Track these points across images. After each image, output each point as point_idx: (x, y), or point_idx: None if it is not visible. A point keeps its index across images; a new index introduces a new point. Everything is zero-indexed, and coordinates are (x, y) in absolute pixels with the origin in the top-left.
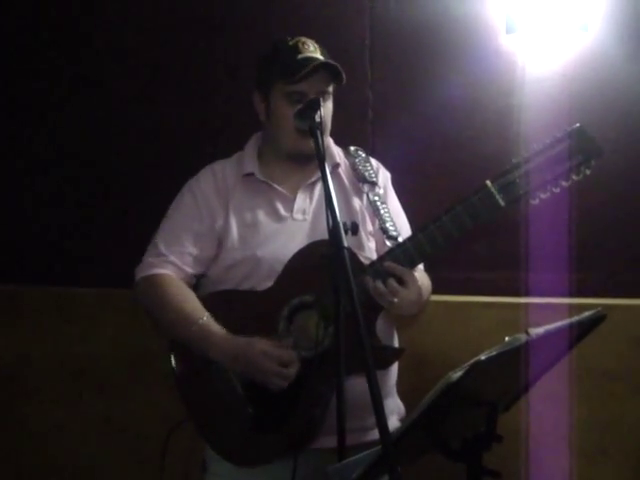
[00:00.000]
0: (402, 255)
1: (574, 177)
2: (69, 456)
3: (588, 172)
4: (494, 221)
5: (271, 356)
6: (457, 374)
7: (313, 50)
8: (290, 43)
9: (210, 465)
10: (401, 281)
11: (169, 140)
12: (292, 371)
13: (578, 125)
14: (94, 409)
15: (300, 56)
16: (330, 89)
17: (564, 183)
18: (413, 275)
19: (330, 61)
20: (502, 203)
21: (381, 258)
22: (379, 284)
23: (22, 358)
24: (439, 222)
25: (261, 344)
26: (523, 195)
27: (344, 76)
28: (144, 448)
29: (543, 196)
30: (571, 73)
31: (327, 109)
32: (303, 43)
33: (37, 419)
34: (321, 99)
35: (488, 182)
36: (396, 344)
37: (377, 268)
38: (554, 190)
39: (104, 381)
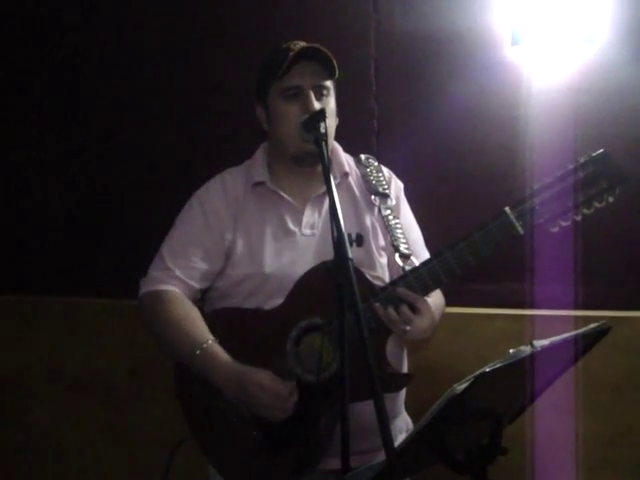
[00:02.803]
0: (416, 281)
1: (596, 205)
2: (70, 467)
3: (612, 200)
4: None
5: (268, 389)
6: (462, 386)
7: None
8: (283, 46)
9: None
10: (414, 308)
11: (175, 148)
12: (288, 405)
13: (602, 150)
14: (96, 420)
15: (291, 53)
16: (328, 84)
17: (586, 211)
18: (426, 303)
19: (315, 45)
20: (521, 231)
21: (394, 283)
22: (391, 311)
23: (25, 367)
24: (455, 249)
25: (259, 377)
26: (543, 223)
27: (335, 64)
28: (148, 460)
29: (564, 224)
30: (576, 85)
31: (329, 107)
32: (295, 44)
33: (39, 428)
34: (318, 96)
35: (507, 209)
36: (405, 365)
37: (389, 293)
38: (576, 217)
39: (107, 392)
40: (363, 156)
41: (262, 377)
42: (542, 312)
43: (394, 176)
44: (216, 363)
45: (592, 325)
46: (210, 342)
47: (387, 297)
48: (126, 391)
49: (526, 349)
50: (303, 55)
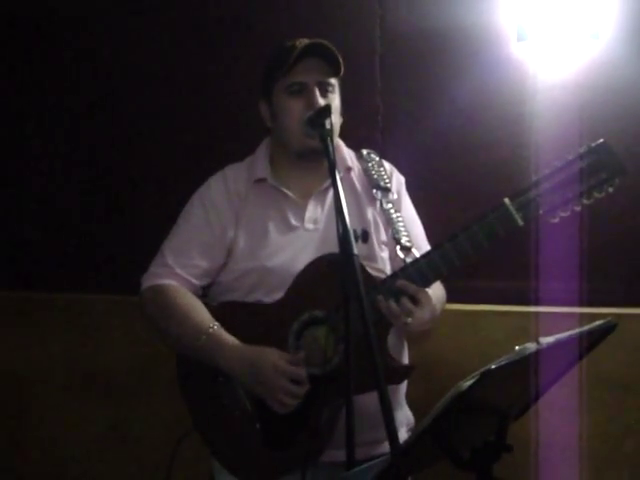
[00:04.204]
0: (416, 273)
1: (596, 195)
2: (74, 463)
3: (611, 190)
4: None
5: (283, 372)
6: (467, 383)
7: None
8: (288, 44)
9: (217, 478)
10: (415, 300)
11: (176, 145)
12: (302, 390)
13: (602, 141)
14: (101, 417)
15: (296, 50)
16: (333, 81)
17: (585, 201)
18: (427, 294)
19: (320, 41)
20: (520, 222)
21: (394, 275)
22: (392, 304)
23: (29, 364)
24: (454, 241)
25: (274, 357)
26: (543, 214)
27: (340, 61)
28: (150, 456)
29: (563, 214)
30: (582, 81)
31: (333, 104)
32: (300, 41)
33: (43, 425)
34: (323, 92)
35: (506, 200)
36: (406, 357)
37: (390, 286)
38: (575, 208)
39: (111, 388)
40: (364, 151)
41: (278, 359)
42: (547, 309)
43: (395, 170)
44: (223, 346)
45: (598, 322)
46: (215, 327)
47: (387, 290)
48: (129, 387)
49: (532, 346)
50: (308, 52)
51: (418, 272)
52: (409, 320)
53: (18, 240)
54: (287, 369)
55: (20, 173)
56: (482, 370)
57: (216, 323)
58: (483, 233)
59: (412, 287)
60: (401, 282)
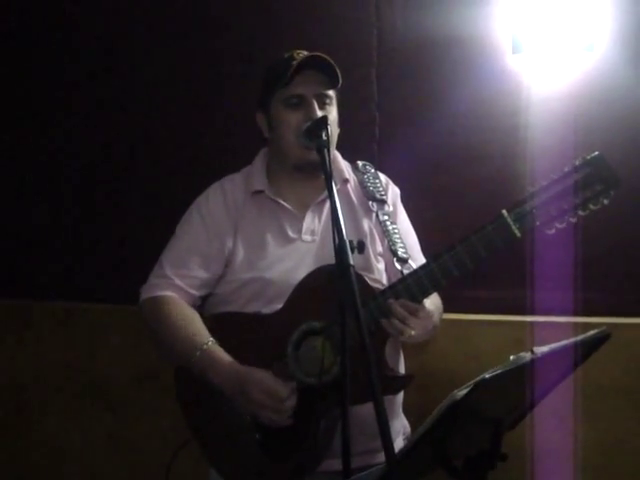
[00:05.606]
0: (415, 284)
1: (592, 207)
2: (72, 472)
3: (606, 202)
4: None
5: (266, 389)
6: (462, 392)
7: None
8: (285, 56)
9: None
10: (415, 315)
11: (175, 154)
12: (285, 408)
13: (597, 153)
14: (99, 426)
15: (294, 62)
16: (330, 93)
17: (581, 213)
18: (425, 309)
19: (319, 54)
20: (518, 234)
21: (392, 286)
22: (395, 322)
23: (28, 373)
24: (453, 252)
25: (258, 376)
26: (539, 226)
27: (338, 73)
28: (148, 466)
29: (560, 226)
30: (577, 93)
31: (331, 116)
32: (298, 53)
33: (42, 435)
34: (321, 104)
35: (504, 212)
36: (402, 367)
37: (386, 305)
38: (571, 220)
39: (110, 397)
40: (360, 162)
41: (261, 377)
42: (542, 319)
43: (391, 182)
44: (216, 363)
45: (592, 332)
46: (210, 343)
47: (382, 308)
48: (128, 396)
49: (526, 355)
50: (307, 64)
51: (417, 283)
52: (412, 333)
53: (18, 249)
54: (270, 387)
55: (20, 181)
56: (477, 379)
57: (211, 339)
58: (481, 244)
59: (412, 306)
60: (401, 302)
